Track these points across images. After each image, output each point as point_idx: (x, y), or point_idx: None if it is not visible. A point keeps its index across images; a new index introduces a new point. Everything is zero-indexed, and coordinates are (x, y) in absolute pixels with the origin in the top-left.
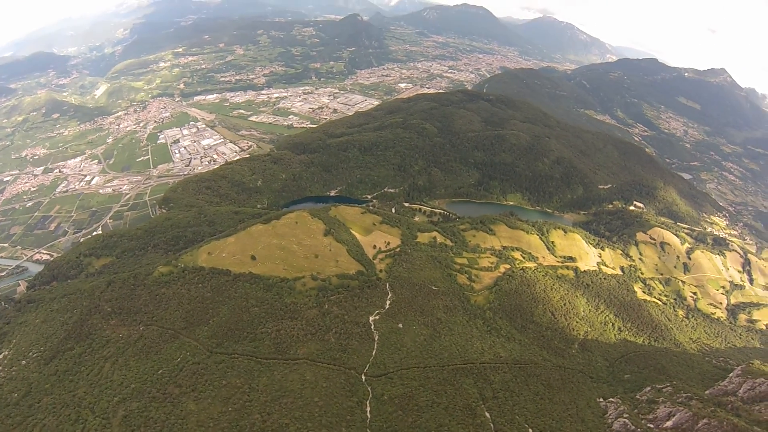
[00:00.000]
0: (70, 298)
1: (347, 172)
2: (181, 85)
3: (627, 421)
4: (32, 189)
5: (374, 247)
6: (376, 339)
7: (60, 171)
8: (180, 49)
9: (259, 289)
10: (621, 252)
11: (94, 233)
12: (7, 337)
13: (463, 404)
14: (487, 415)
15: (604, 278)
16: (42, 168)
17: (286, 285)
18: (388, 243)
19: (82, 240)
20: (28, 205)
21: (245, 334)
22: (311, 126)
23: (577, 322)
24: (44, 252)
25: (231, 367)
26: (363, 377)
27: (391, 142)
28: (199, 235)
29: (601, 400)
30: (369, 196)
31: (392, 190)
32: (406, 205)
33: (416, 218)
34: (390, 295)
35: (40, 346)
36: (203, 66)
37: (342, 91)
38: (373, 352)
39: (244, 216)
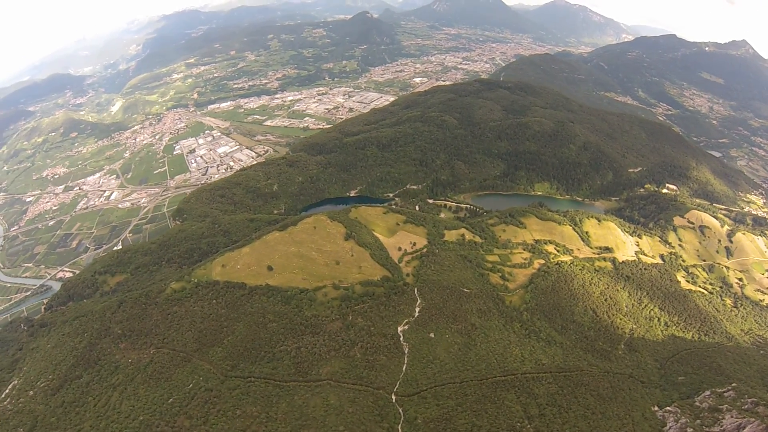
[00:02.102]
0: (81, 321)
1: (366, 171)
2: (195, 95)
3: None
4: (54, 208)
5: (399, 249)
6: (406, 352)
7: (80, 188)
8: (192, 60)
9: (276, 303)
10: (659, 239)
11: (115, 248)
12: (19, 364)
13: (506, 426)
14: None
15: (645, 268)
16: (62, 186)
17: (306, 296)
18: (414, 243)
19: (97, 257)
20: (50, 224)
21: (262, 354)
22: (327, 127)
23: (620, 319)
24: (67, 270)
25: (246, 393)
26: (393, 397)
27: (411, 137)
28: (213, 247)
29: (657, 408)
30: (391, 195)
31: (415, 187)
32: (430, 201)
33: (442, 215)
34: (419, 301)
35: (48, 374)
36: (216, 74)
37: (356, 90)
38: (404, 368)
39: (260, 223)
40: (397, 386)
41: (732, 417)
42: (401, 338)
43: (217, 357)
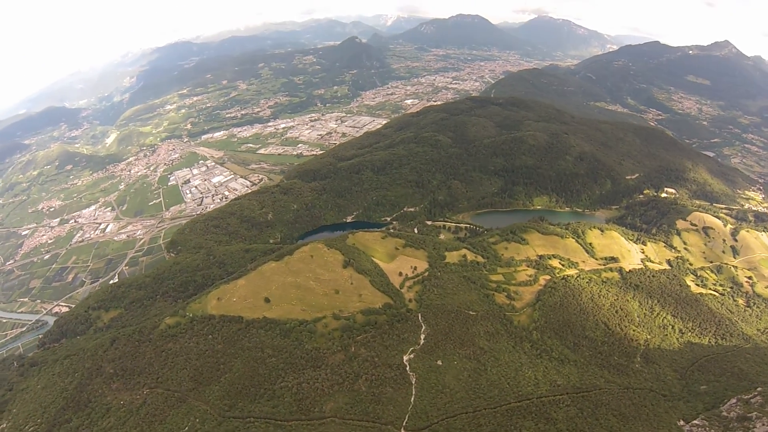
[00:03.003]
0: (72, 360)
1: (362, 195)
2: (188, 126)
3: None
4: (49, 241)
5: (400, 274)
6: (413, 382)
7: (75, 221)
8: (185, 91)
9: (275, 336)
10: (664, 244)
11: (111, 282)
12: (8, 406)
13: None
14: None
15: (653, 275)
16: (58, 219)
17: (306, 328)
18: (415, 268)
19: (92, 292)
20: (45, 258)
21: (262, 391)
22: (321, 153)
23: (633, 330)
24: (63, 304)
25: None
26: None
27: (405, 159)
28: (208, 279)
29: (683, 423)
30: (388, 218)
31: (412, 209)
32: (429, 223)
33: (441, 236)
34: (423, 327)
35: (37, 418)
36: (208, 104)
37: (349, 114)
38: (412, 399)
39: (256, 254)
40: (406, 420)
41: (763, 425)
42: (407, 368)
43: (214, 396)
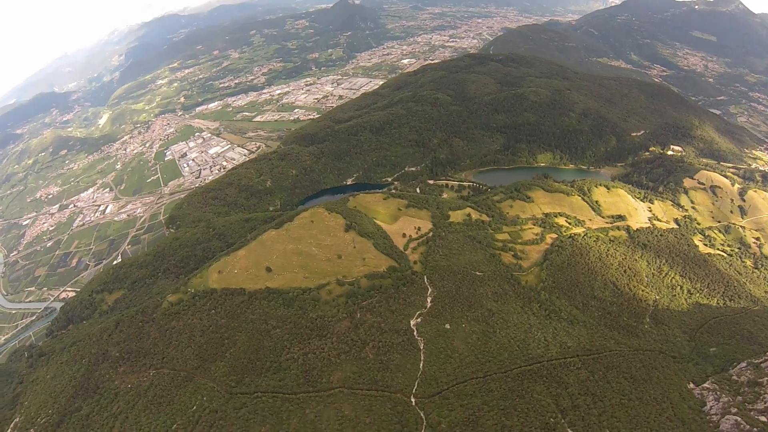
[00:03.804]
0: (78, 346)
1: (361, 157)
2: (182, 99)
3: (738, 419)
4: (50, 228)
5: (404, 235)
6: (421, 347)
7: (74, 206)
8: (176, 64)
9: (278, 306)
10: (671, 203)
11: (114, 262)
12: (20, 399)
13: (540, 424)
14: None
15: (661, 235)
16: (57, 206)
17: (310, 296)
18: (419, 228)
19: (97, 274)
20: (48, 245)
21: (268, 364)
22: (318, 117)
23: (642, 290)
24: (69, 289)
25: (254, 412)
26: (413, 400)
27: (404, 118)
28: (209, 252)
29: (693, 386)
30: (389, 179)
31: (413, 169)
32: (431, 182)
33: (444, 195)
34: (430, 290)
35: (48, 408)
36: (201, 76)
37: (345, 77)
38: (421, 365)
39: (256, 223)
40: (416, 387)
41: None
42: (415, 333)
43: (220, 372)
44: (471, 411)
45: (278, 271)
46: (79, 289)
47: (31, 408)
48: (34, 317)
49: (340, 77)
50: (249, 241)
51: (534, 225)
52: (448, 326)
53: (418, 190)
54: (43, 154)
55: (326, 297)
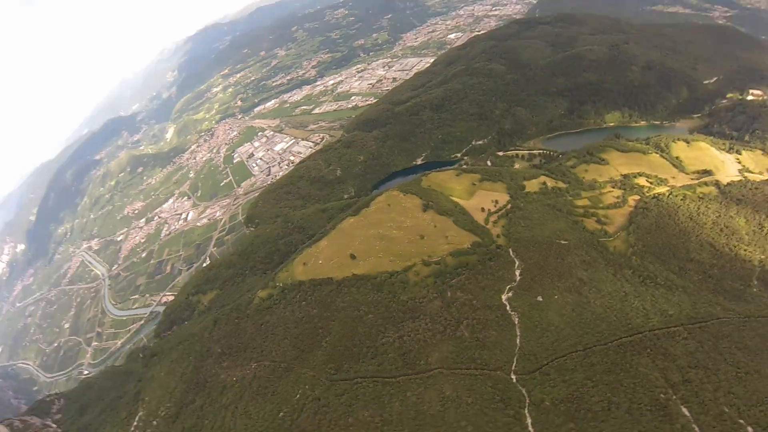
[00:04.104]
0: (184, 345)
1: (427, 136)
2: (239, 102)
3: None
4: (142, 241)
5: (482, 209)
6: (516, 322)
7: (159, 217)
8: (226, 71)
9: (368, 292)
10: (761, 151)
11: (204, 265)
12: (141, 395)
13: (649, 400)
14: (686, 412)
15: (755, 187)
16: (144, 219)
17: (398, 279)
18: (496, 201)
19: (190, 278)
20: (143, 256)
21: (365, 350)
22: (375, 101)
23: (744, 250)
24: (168, 293)
25: (356, 397)
26: (513, 378)
27: (462, 93)
28: (291, 245)
29: None
30: (458, 155)
31: (480, 142)
32: (500, 154)
33: (516, 166)
34: (517, 262)
35: (166, 402)
36: (252, 78)
37: (394, 59)
38: (517, 341)
39: (333, 212)
40: (515, 364)
41: None
42: (508, 307)
43: (319, 361)
44: (574, 387)
45: (362, 257)
46: (176, 293)
47: (151, 402)
48: (142, 321)
49: (389, 60)
50: (329, 230)
51: (613, 188)
52: (540, 299)
53: (489, 162)
54: (122, 174)
55: (414, 278)
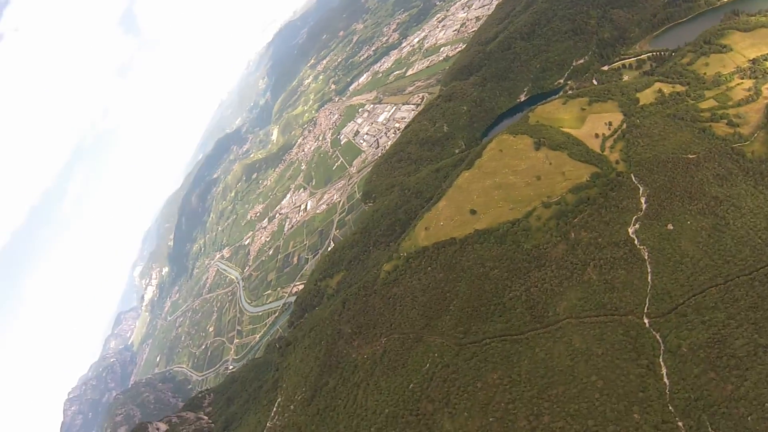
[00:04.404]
0: (316, 331)
1: (524, 69)
2: (332, 86)
3: None
4: (267, 239)
5: (596, 135)
6: (646, 257)
7: (279, 214)
8: (312, 61)
9: (491, 246)
10: None
11: (329, 249)
12: (279, 383)
13: None
14: None
15: None
16: (266, 219)
17: (520, 227)
18: (610, 123)
19: (315, 265)
20: (270, 253)
21: (492, 308)
22: (464, 46)
23: None
24: (298, 283)
25: (484, 360)
26: (646, 321)
27: (550, 12)
28: (411, 213)
29: None
30: (561, 81)
31: (581, 61)
32: (605, 68)
33: (625, 78)
34: (641, 188)
35: (302, 386)
36: (339, 59)
37: None
38: (649, 278)
39: (447, 170)
40: (647, 306)
41: None
42: (636, 241)
43: (447, 327)
44: (715, 329)
45: (482, 210)
46: (305, 282)
47: (288, 389)
48: (276, 314)
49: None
50: (445, 190)
51: (742, 79)
52: (670, 227)
53: (594, 82)
54: (239, 184)
55: (536, 224)
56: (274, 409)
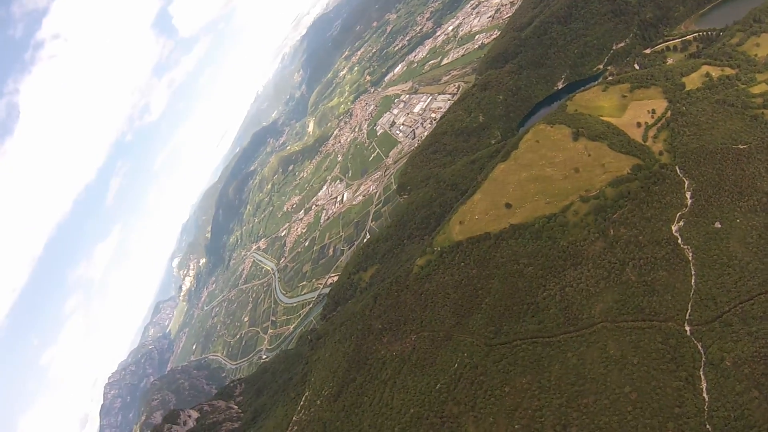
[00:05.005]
0: (346, 325)
1: (561, 54)
2: (367, 78)
3: None
4: (303, 231)
5: (638, 124)
6: (690, 258)
7: (316, 205)
8: (346, 53)
9: (527, 242)
10: None
11: (365, 240)
12: (308, 377)
13: None
14: None
15: None
16: (302, 211)
17: (556, 222)
18: (653, 111)
19: (350, 257)
20: (306, 245)
21: (525, 307)
22: (499, 33)
23: None
24: (333, 275)
25: (514, 363)
26: (687, 329)
27: None
28: (446, 206)
29: None
30: (600, 67)
31: (622, 45)
32: (648, 51)
33: (669, 61)
34: (686, 182)
35: (329, 382)
36: (373, 50)
37: None
38: (692, 282)
39: (482, 161)
40: (689, 312)
41: None
42: (679, 240)
43: (478, 325)
44: (762, 341)
45: (518, 204)
46: (339, 274)
47: (316, 383)
48: (311, 305)
49: None
50: (481, 182)
51: None
52: (718, 225)
53: (636, 66)
54: (275, 176)
55: (573, 219)
56: (301, 402)
